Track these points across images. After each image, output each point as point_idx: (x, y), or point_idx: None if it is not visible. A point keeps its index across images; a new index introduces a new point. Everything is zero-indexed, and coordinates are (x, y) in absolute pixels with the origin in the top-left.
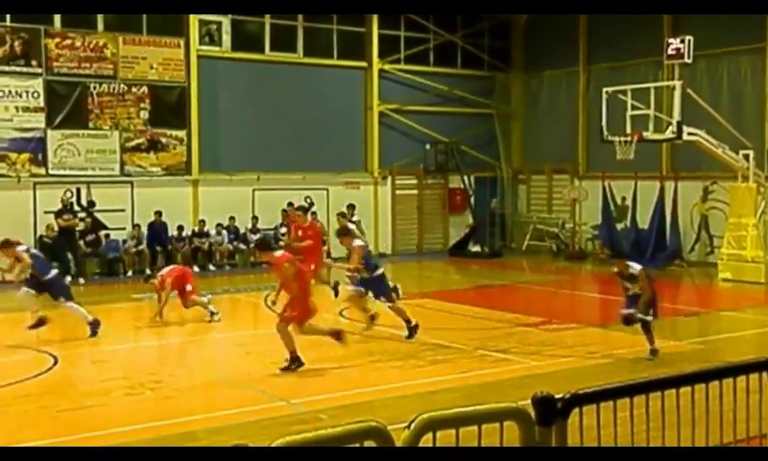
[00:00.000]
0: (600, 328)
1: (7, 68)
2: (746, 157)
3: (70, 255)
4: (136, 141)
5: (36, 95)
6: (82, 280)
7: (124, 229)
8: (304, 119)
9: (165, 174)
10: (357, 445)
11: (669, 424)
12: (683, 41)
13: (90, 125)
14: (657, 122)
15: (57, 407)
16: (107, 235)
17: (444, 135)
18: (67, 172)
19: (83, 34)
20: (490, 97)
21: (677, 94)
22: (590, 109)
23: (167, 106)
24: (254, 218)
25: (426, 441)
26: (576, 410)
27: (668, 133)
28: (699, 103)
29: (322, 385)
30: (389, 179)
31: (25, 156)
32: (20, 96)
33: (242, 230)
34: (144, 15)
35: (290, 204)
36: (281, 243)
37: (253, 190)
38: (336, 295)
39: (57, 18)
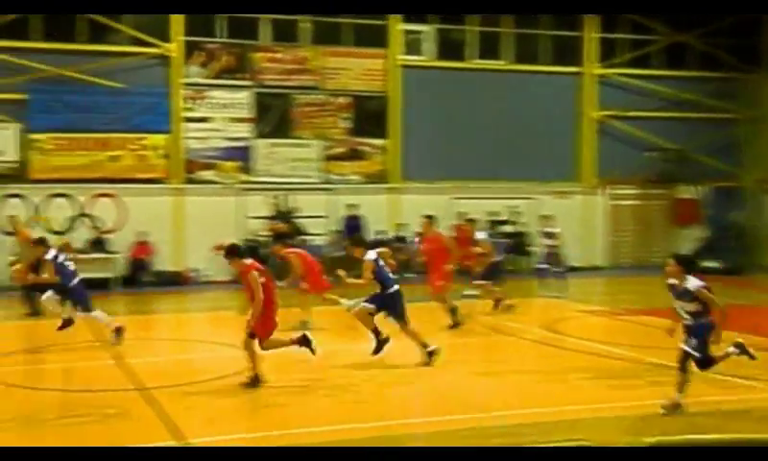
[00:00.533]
0: None
1: (219, 82)
2: None
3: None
4: (337, 150)
5: (244, 106)
6: (280, 283)
7: (323, 235)
8: (508, 127)
9: (365, 182)
10: None
11: None
12: None
13: (293, 134)
14: None
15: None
16: (304, 241)
17: (670, 142)
18: (271, 179)
19: (288, 47)
20: (729, 100)
21: None
22: None
23: (368, 115)
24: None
25: None
26: None
27: None
28: None
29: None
30: (605, 188)
31: (234, 164)
32: (230, 108)
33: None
34: (348, 28)
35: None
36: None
37: (451, 198)
38: (453, 325)
39: (265, 33)
